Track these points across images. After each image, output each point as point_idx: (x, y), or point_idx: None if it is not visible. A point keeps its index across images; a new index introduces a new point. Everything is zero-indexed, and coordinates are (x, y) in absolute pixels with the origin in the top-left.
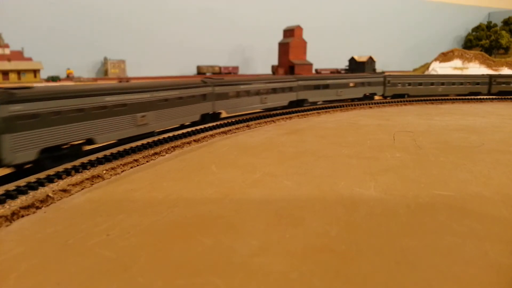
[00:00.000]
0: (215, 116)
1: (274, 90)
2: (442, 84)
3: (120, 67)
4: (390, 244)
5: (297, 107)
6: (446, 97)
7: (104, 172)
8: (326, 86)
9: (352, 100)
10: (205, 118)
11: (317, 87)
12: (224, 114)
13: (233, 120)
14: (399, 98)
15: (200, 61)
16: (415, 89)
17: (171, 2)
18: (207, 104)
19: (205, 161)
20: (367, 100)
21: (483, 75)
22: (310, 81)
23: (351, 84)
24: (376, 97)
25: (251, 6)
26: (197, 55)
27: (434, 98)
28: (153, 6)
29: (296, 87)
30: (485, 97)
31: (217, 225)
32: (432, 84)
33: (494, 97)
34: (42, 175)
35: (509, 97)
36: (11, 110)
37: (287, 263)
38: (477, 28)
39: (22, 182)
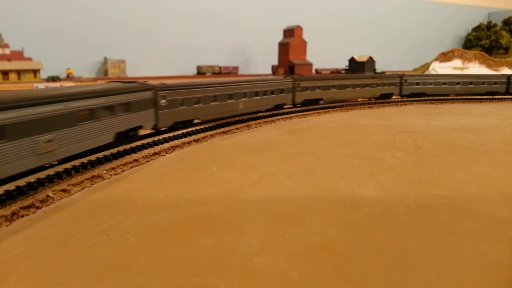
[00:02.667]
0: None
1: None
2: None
3: (120, 67)
4: (390, 244)
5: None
6: (461, 97)
7: (104, 172)
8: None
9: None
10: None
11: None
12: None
13: (233, 120)
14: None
15: (200, 61)
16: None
17: (171, 2)
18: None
19: (205, 161)
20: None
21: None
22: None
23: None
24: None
25: (251, 6)
26: (197, 55)
27: (447, 98)
28: (153, 6)
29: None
30: (503, 97)
31: (217, 225)
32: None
33: (494, 97)
34: (42, 175)
35: (509, 97)
36: None
37: (287, 263)
38: (477, 28)
39: (22, 182)
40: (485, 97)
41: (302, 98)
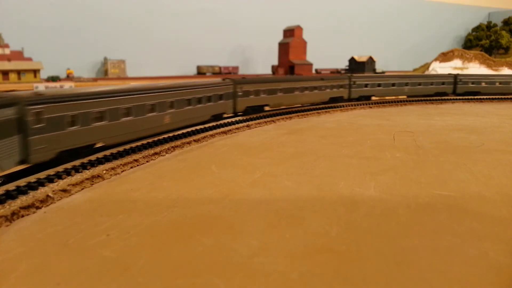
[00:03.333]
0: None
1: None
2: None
3: (120, 67)
4: (390, 244)
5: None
6: (460, 97)
7: (104, 172)
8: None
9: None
10: None
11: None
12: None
13: (233, 120)
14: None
15: (200, 61)
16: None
17: (171, 2)
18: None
19: (205, 161)
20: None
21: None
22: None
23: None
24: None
25: (251, 6)
26: (197, 55)
27: (447, 98)
28: (153, 6)
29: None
30: (479, 97)
31: (217, 225)
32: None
33: (494, 97)
34: (42, 175)
35: (509, 97)
36: None
37: (287, 263)
38: (477, 28)
39: (22, 182)
40: (484, 97)
41: (244, 105)
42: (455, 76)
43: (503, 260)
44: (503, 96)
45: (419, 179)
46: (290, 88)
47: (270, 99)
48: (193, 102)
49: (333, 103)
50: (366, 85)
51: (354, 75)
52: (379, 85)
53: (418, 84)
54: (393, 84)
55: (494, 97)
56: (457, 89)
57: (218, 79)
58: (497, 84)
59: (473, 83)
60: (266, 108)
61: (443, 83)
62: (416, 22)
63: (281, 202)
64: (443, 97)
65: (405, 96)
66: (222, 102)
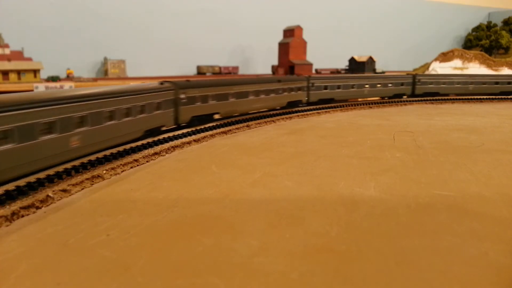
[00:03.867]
0: None
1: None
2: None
3: (120, 67)
4: (390, 244)
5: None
6: (460, 97)
7: (104, 172)
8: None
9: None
10: None
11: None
12: None
13: (233, 120)
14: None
15: (200, 61)
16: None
17: (171, 2)
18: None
19: (205, 161)
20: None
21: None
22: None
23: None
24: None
25: (251, 6)
26: (197, 55)
27: (447, 98)
28: (153, 6)
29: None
30: (488, 97)
31: (217, 225)
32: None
33: (494, 97)
34: (42, 175)
35: (509, 97)
36: None
37: (287, 263)
38: (477, 28)
39: (22, 182)
40: (484, 97)
41: (190, 115)
42: (414, 77)
43: (503, 260)
44: (503, 97)
45: (419, 179)
46: (244, 92)
47: (221, 106)
48: (117, 115)
49: (291, 108)
50: (325, 87)
51: (313, 75)
52: (338, 87)
53: (377, 85)
54: (353, 86)
55: (493, 97)
56: (416, 90)
57: (154, 83)
58: (455, 84)
59: (431, 83)
60: (216, 117)
61: (401, 84)
62: (416, 22)
63: (281, 202)
64: (444, 98)
65: (366, 98)
66: (159, 113)
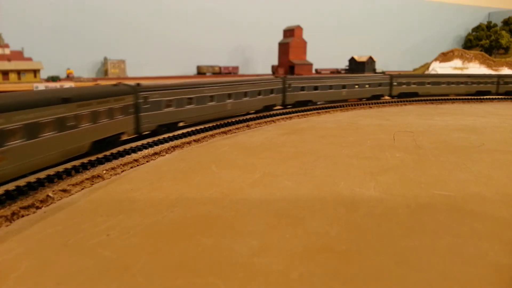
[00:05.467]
0: None
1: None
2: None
3: (120, 67)
4: (390, 244)
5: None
6: (460, 97)
7: (104, 172)
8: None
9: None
10: None
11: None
12: None
13: (233, 120)
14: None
15: (200, 61)
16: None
17: (171, 2)
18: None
19: (205, 161)
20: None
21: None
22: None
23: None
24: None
25: (251, 6)
26: (197, 55)
27: (447, 98)
28: (153, 6)
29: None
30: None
31: (217, 225)
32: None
33: (494, 97)
34: (42, 175)
35: (508, 97)
36: None
37: (287, 263)
38: (477, 28)
39: (22, 182)
40: (485, 97)
41: (155, 123)
42: (391, 77)
43: (503, 260)
44: (504, 96)
45: (419, 179)
46: (204, 97)
47: (186, 112)
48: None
49: (266, 111)
50: (302, 89)
51: (289, 76)
52: (315, 88)
53: (355, 86)
54: (331, 87)
55: (493, 97)
56: (393, 91)
57: (108, 85)
58: (426, 85)
59: (408, 84)
60: (181, 124)
61: (379, 85)
62: (416, 22)
63: (281, 202)
64: (444, 98)
65: (346, 100)
66: (120, 120)
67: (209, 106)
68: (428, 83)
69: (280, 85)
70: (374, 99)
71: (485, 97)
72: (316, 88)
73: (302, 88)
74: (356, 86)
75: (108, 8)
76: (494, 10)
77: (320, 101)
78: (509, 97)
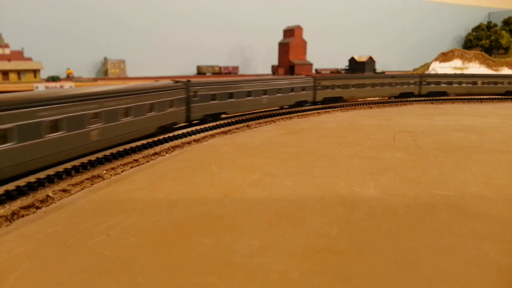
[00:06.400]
0: None
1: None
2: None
3: (120, 67)
4: (390, 244)
5: None
6: (460, 97)
7: (104, 172)
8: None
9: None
10: None
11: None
12: None
13: (233, 120)
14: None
15: (200, 61)
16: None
17: (171, 2)
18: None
19: (205, 161)
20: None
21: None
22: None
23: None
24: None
25: (251, 6)
26: (197, 55)
27: (447, 98)
28: (153, 6)
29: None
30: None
31: (217, 225)
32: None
33: (493, 97)
34: (42, 175)
35: (509, 97)
36: None
37: (287, 263)
38: (477, 28)
39: (22, 182)
40: (485, 97)
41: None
42: (315, 80)
43: (503, 260)
44: (503, 96)
45: (419, 179)
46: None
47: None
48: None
49: (164, 133)
50: (213, 97)
51: (194, 80)
52: (230, 96)
53: (278, 91)
54: (249, 94)
55: (492, 97)
56: (316, 96)
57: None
58: (351, 88)
59: (332, 87)
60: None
61: (303, 89)
62: (416, 22)
63: (281, 202)
64: (444, 98)
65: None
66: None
67: (247, 100)
68: (353, 86)
69: (183, 93)
70: (298, 106)
71: (484, 97)
72: (230, 95)
73: (213, 97)
74: (279, 93)
75: (108, 8)
76: (494, 10)
77: (235, 113)
78: (509, 97)
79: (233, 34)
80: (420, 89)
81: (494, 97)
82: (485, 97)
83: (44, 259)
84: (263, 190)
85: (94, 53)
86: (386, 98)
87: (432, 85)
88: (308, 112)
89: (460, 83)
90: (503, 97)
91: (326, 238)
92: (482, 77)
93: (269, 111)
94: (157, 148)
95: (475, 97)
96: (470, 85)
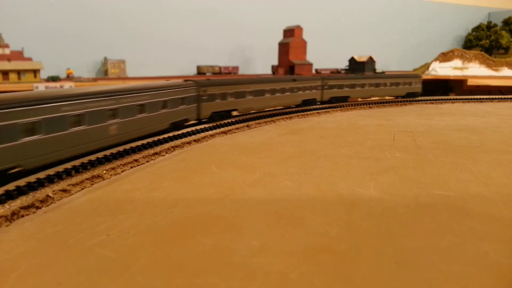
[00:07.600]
0: None
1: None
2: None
3: (120, 67)
4: (390, 244)
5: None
6: (460, 97)
7: (104, 172)
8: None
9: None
10: None
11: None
12: None
13: (233, 120)
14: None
15: (200, 61)
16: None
17: (171, 2)
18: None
19: (205, 161)
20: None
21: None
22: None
23: None
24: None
25: (251, 6)
26: (197, 55)
27: (447, 98)
28: (153, 6)
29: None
30: (500, 96)
31: (217, 225)
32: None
33: (493, 97)
34: (42, 175)
35: (509, 97)
36: None
37: (287, 263)
38: (477, 28)
39: (22, 182)
40: (484, 97)
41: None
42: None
43: (503, 260)
44: (503, 96)
45: (419, 179)
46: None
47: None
48: None
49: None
50: (223, 96)
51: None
52: (240, 95)
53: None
54: (262, 93)
55: (492, 97)
56: (324, 95)
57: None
58: (247, 96)
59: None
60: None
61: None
62: (416, 22)
63: (281, 202)
64: (444, 98)
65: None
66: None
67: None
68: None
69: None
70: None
71: (484, 97)
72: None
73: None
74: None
75: (108, 8)
76: (494, 10)
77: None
78: (508, 97)
79: (233, 34)
80: (322, 94)
81: (494, 97)
82: (485, 97)
83: (44, 259)
84: (263, 190)
85: (94, 53)
86: (385, 98)
87: (335, 89)
88: (308, 112)
89: (363, 85)
90: (487, 97)
91: (326, 238)
92: (386, 78)
93: (269, 111)
94: (157, 148)
95: (475, 97)
96: (372, 87)
